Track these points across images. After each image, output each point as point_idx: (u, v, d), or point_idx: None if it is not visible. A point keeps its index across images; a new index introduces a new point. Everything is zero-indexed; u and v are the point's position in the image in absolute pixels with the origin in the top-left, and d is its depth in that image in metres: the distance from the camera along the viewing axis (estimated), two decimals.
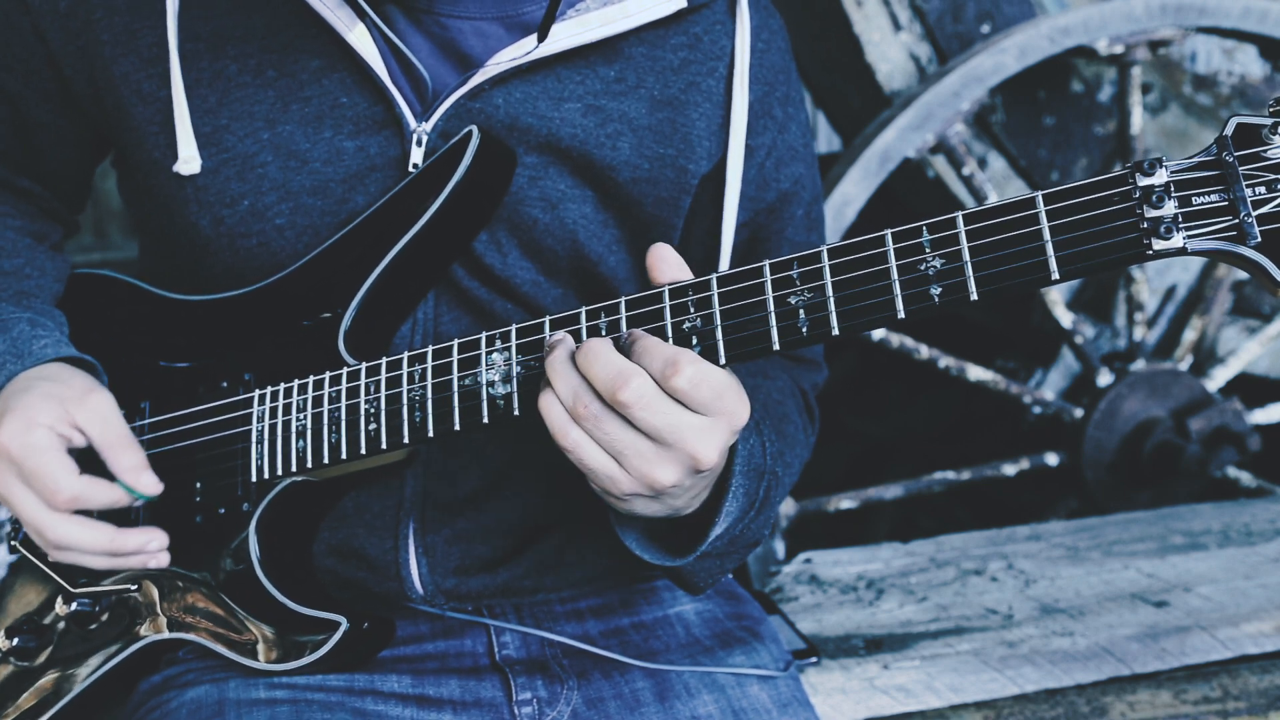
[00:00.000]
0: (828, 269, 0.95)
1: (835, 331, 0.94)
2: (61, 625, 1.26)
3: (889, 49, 2.76)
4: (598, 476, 0.99)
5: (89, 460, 1.15)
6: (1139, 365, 2.71)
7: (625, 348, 0.98)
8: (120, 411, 1.18)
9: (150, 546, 1.16)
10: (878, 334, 2.54)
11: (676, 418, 0.96)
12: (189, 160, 1.20)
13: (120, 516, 1.21)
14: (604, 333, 1.02)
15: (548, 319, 1.04)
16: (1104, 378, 2.70)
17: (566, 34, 1.20)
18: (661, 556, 1.13)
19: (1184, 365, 2.78)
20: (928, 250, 0.92)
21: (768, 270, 0.97)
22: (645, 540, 1.13)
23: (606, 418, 0.96)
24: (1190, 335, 2.79)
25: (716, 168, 1.30)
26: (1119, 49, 2.54)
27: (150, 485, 1.16)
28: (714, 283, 0.99)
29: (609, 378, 0.95)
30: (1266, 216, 0.84)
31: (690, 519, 1.11)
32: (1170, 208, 0.86)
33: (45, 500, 1.12)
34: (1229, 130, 0.86)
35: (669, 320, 1.00)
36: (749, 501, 1.13)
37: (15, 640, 1.25)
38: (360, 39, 1.19)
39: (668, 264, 1.02)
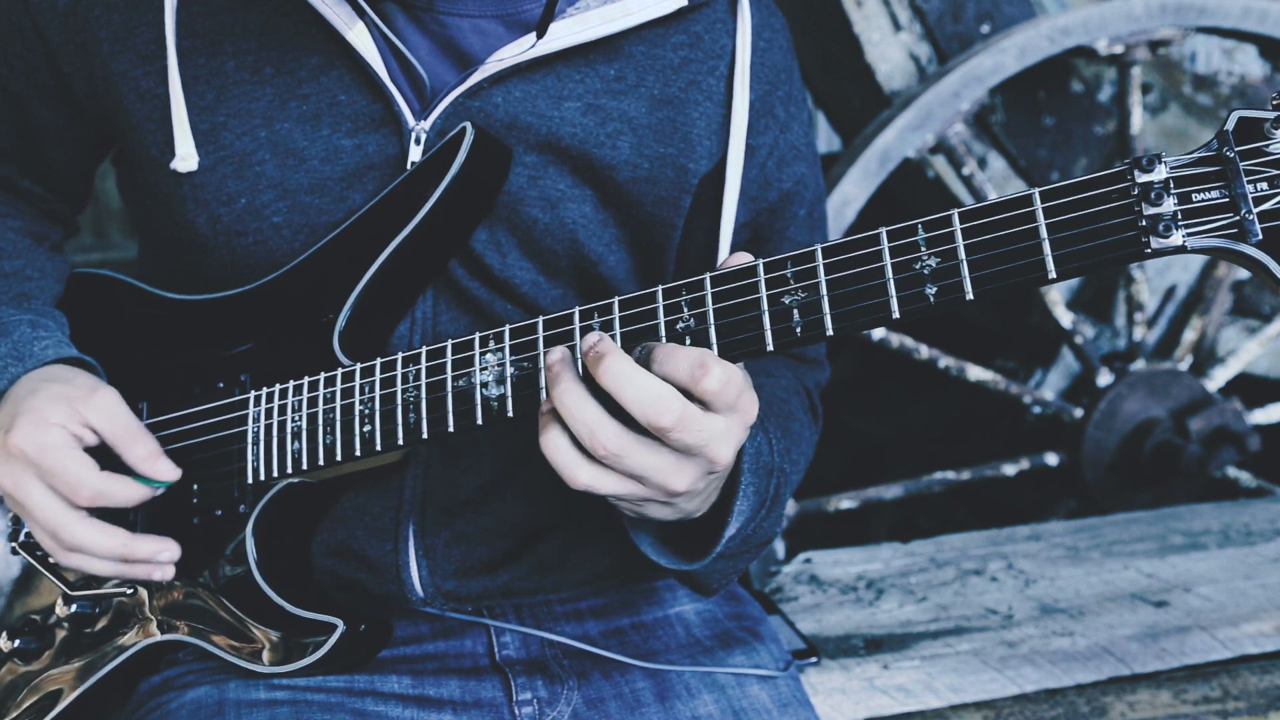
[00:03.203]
0: (822, 268, 0.94)
1: (830, 332, 0.93)
2: (62, 627, 1.26)
3: (889, 49, 2.76)
4: (616, 497, 0.97)
5: (102, 460, 1.15)
6: (1139, 365, 2.70)
7: (645, 360, 0.93)
8: (126, 405, 1.18)
9: (161, 556, 1.16)
10: (877, 334, 2.54)
11: (710, 430, 0.92)
12: (186, 158, 1.20)
13: (118, 519, 1.20)
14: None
15: (541, 319, 1.03)
16: (1104, 378, 2.69)
17: (566, 32, 1.19)
18: (676, 561, 1.12)
19: (1184, 365, 2.77)
20: (923, 249, 0.91)
21: (761, 269, 0.96)
22: (659, 544, 1.12)
23: (632, 449, 0.92)
24: (1190, 335, 2.79)
25: (717, 167, 1.29)
26: (1119, 49, 2.53)
27: (167, 471, 1.17)
28: (708, 282, 0.98)
29: (649, 402, 0.90)
30: (1268, 213, 0.83)
31: (701, 521, 1.10)
32: (1169, 205, 0.85)
33: (67, 497, 1.12)
34: (1230, 125, 0.84)
35: (662, 320, 0.99)
36: (759, 500, 1.12)
37: (17, 642, 1.25)
38: (359, 36, 1.18)
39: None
